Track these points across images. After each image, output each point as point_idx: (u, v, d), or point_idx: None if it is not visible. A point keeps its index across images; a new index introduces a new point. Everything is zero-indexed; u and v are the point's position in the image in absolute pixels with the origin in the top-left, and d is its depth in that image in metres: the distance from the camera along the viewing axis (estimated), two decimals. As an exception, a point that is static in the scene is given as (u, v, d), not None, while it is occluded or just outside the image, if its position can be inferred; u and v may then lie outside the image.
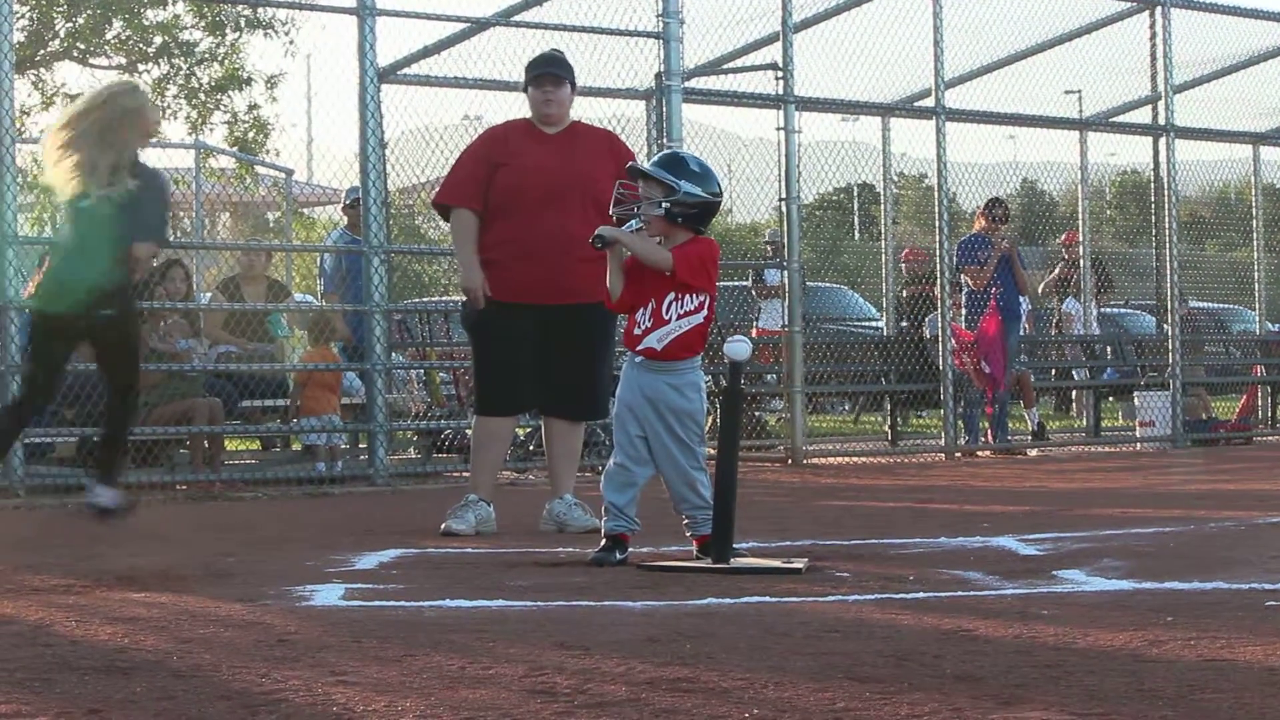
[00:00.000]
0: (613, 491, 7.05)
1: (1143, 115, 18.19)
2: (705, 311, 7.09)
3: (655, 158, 7.41)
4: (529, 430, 13.69)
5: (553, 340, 8.68)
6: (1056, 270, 19.52)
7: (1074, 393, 21.71)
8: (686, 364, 7.11)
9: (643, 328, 7.06)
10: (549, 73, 8.81)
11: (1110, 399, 19.35)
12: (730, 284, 18.20)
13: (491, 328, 8.73)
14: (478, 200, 8.74)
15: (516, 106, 13.21)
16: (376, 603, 6.02)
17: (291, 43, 27.98)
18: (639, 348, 7.07)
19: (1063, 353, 19.26)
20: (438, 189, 9.12)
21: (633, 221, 7.08)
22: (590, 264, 8.56)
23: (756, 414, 16.05)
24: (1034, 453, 16.30)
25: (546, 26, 13.60)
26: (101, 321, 7.97)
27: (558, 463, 8.86)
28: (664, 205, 7.02)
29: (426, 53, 13.54)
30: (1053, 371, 19.32)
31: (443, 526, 8.56)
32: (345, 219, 15.04)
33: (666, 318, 7.03)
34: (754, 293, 18.02)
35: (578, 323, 8.64)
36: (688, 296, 7.04)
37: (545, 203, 8.58)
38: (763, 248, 18.59)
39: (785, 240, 14.75)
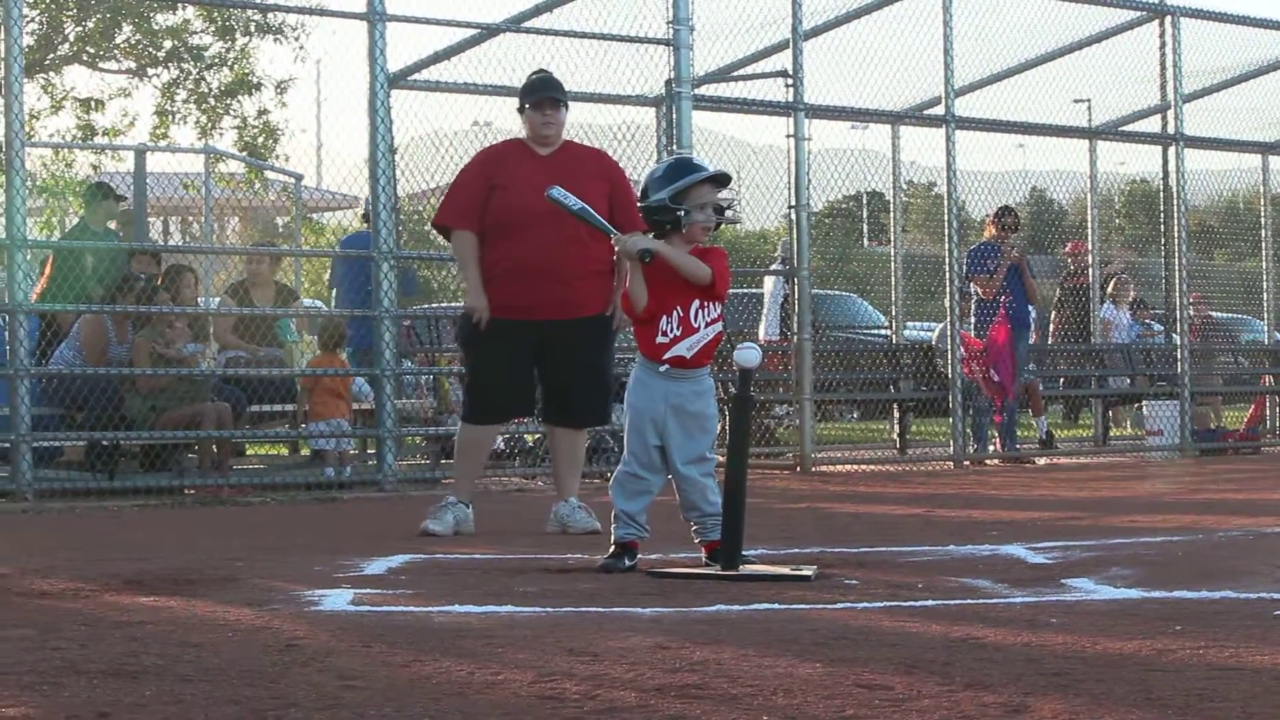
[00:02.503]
0: (624, 499, 7.05)
1: (1152, 124, 18.18)
2: (721, 319, 7.11)
3: (678, 162, 7.27)
4: (537, 437, 13.70)
5: (554, 353, 8.95)
6: (1057, 291, 19.35)
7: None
8: (705, 370, 7.14)
9: (670, 336, 7.00)
10: (549, 96, 9.05)
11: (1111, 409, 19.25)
12: (743, 291, 18.15)
13: (488, 344, 8.99)
14: (476, 222, 9.01)
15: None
16: (385, 608, 6.02)
17: (301, 48, 27.96)
18: (667, 356, 6.99)
19: (1100, 361, 19.01)
20: (439, 208, 9.40)
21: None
22: (586, 279, 8.84)
23: (766, 421, 16.04)
24: (1042, 461, 16.29)
25: (557, 33, 13.63)
26: None
27: (562, 468, 9.20)
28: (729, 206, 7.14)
29: (436, 58, 13.57)
30: (1060, 380, 19.25)
31: (422, 526, 8.84)
32: (366, 225, 15.13)
33: (696, 325, 7.01)
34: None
35: (578, 335, 8.93)
36: (710, 304, 7.04)
37: (542, 222, 8.72)
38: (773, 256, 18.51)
39: (794, 248, 14.75)
